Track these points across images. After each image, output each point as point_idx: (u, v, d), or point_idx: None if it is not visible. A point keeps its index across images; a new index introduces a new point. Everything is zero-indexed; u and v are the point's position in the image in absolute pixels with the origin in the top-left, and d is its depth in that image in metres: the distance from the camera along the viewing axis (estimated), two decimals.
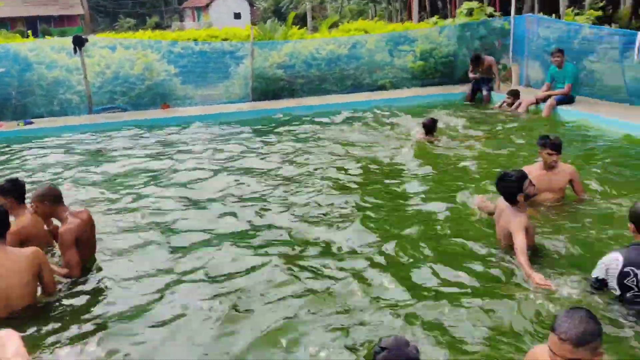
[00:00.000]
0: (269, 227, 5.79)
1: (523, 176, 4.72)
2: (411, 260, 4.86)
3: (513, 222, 4.63)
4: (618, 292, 3.88)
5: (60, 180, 7.76)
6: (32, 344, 3.72)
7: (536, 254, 4.76)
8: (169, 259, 5.10)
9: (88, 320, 4.14)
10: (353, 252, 5.08)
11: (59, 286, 4.49)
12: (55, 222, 5.02)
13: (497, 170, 6.51)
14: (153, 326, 4.05)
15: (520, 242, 4.48)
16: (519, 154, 8.11)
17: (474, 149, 8.62)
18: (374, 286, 4.42)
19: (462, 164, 7.79)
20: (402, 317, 3.93)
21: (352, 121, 11.19)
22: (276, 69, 13.99)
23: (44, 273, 4.20)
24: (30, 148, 9.85)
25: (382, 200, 6.45)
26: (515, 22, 13.94)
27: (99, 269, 4.92)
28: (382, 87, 14.60)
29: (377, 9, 44.49)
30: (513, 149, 8.44)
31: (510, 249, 4.65)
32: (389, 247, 5.11)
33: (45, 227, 5.02)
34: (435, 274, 4.57)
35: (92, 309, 4.29)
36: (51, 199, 4.73)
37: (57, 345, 3.82)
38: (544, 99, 10.97)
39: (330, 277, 4.59)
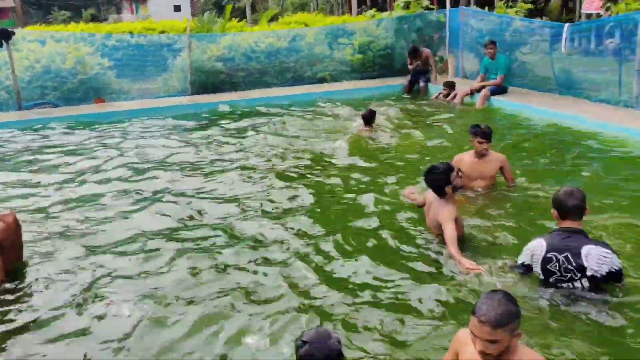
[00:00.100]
0: (203, 224, 5.70)
1: (450, 168, 4.81)
2: (341, 253, 4.86)
3: (442, 213, 4.73)
4: (542, 277, 4.00)
5: None
6: None
7: (466, 241, 4.87)
8: (98, 262, 4.93)
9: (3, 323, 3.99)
10: (283, 246, 5.04)
11: None
12: None
13: (432, 160, 6.68)
14: (74, 331, 3.90)
15: (450, 231, 4.58)
16: (453, 143, 8.28)
17: (411, 140, 8.77)
18: (301, 280, 4.40)
19: (398, 155, 7.92)
20: (327, 311, 3.94)
21: (292, 114, 11.16)
22: (215, 62, 13.82)
23: None
24: None
25: (317, 192, 6.45)
26: (450, 15, 14.22)
27: (25, 273, 4.72)
28: (323, 80, 14.66)
29: (318, 2, 44.52)
30: (447, 139, 8.62)
31: (441, 239, 4.74)
32: (320, 240, 5.12)
33: None
34: (365, 266, 4.59)
35: (10, 315, 4.11)
36: None
37: None
38: (478, 90, 11.26)
39: (256, 273, 4.56)
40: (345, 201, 6.14)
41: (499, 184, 6.21)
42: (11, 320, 4.03)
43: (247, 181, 6.98)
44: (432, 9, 15.55)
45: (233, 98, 12.88)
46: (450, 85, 11.89)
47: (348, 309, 3.96)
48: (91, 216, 6.02)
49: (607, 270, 3.78)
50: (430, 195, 4.98)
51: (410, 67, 13.06)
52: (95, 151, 8.81)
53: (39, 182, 7.33)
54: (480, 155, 6.11)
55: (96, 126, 10.70)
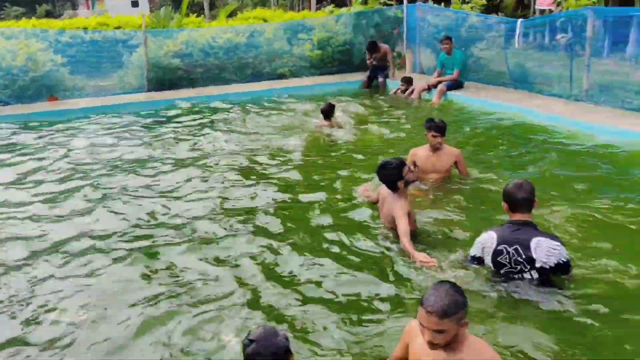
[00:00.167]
0: (156, 222, 5.61)
1: (402, 163, 4.85)
2: (295, 250, 4.85)
3: (395, 207, 4.76)
4: (493, 269, 4.05)
5: None
6: None
7: (420, 235, 4.92)
8: (44, 263, 4.80)
9: None
10: (236, 244, 5.00)
11: None
12: None
13: (389, 155, 6.72)
14: (10, 337, 3.80)
15: (403, 226, 4.61)
16: (410, 138, 8.36)
17: (369, 136, 8.83)
18: (251, 278, 4.38)
19: (356, 151, 7.95)
20: (278, 309, 3.93)
21: (251, 110, 11.07)
22: (172, 58, 13.61)
23: None
24: None
25: (273, 190, 6.42)
26: (407, 11, 14.33)
27: None
28: (282, 76, 14.59)
29: None
30: (405, 134, 8.70)
31: (395, 233, 4.77)
32: (274, 237, 5.10)
33: None
34: (319, 263, 4.59)
35: None
36: None
37: None
38: (435, 85, 11.39)
39: (207, 272, 4.51)
40: (301, 198, 6.12)
41: (453, 177, 6.29)
42: None
43: (203, 179, 6.90)
44: (391, 4, 15.65)
45: (191, 94, 12.71)
46: (407, 81, 12.00)
47: (300, 307, 3.95)
48: (41, 216, 5.86)
49: (555, 262, 3.85)
50: (384, 190, 5.02)
51: (368, 62, 13.12)
52: (47, 150, 8.59)
53: None
54: (435, 149, 6.18)
55: (49, 125, 10.42)
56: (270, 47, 14.61)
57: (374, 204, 5.45)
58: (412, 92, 11.72)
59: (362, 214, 5.49)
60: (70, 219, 5.77)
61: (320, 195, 6.10)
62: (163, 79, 13.53)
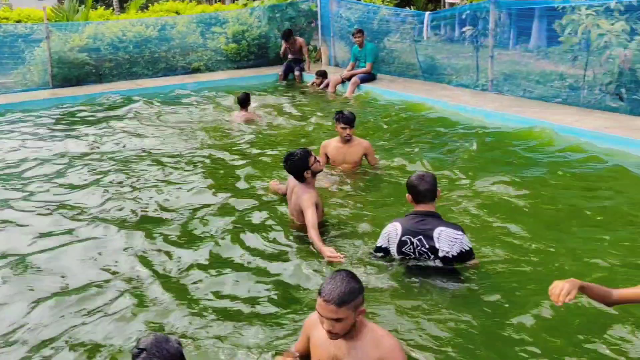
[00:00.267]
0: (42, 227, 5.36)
1: (307, 153, 4.86)
2: (201, 247, 4.77)
3: (303, 198, 4.76)
4: (398, 259, 4.12)
5: None
6: None
7: (329, 226, 4.95)
8: None
9: None
10: (132, 248, 4.84)
11: None
12: None
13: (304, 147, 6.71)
14: None
15: (310, 217, 4.61)
16: (324, 130, 8.40)
17: (284, 129, 8.81)
18: (146, 287, 4.25)
19: (269, 143, 7.90)
20: (173, 312, 3.83)
21: (164, 106, 10.77)
22: (79, 52, 13.01)
23: None
24: None
25: (180, 189, 6.26)
26: (321, 4, 14.37)
27: None
28: (197, 70, 14.32)
29: None
30: (319, 126, 8.73)
31: (303, 226, 4.76)
32: (180, 235, 5.01)
33: None
34: (227, 261, 4.53)
35: None
36: None
37: None
38: (349, 78, 11.50)
39: (99, 283, 4.34)
40: (211, 195, 5.99)
41: (364, 168, 6.37)
42: None
43: (102, 181, 6.61)
44: None
45: (99, 90, 12.21)
46: (322, 74, 12.06)
47: (201, 308, 3.87)
48: None
49: (458, 251, 3.96)
50: (292, 181, 5.01)
51: (283, 49, 13.04)
52: None
53: None
54: (345, 140, 6.24)
55: None
56: (184, 40, 14.27)
57: (285, 196, 5.43)
58: (327, 85, 11.79)
59: (272, 208, 5.45)
60: None
61: (230, 190, 6.01)
62: (69, 75, 12.91)
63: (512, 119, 8.13)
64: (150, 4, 18.66)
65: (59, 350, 3.45)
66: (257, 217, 5.29)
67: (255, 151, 7.55)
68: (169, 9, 18.18)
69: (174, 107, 10.66)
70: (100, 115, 10.26)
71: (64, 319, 3.80)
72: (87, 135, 8.83)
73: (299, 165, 4.80)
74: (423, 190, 4.06)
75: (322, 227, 4.81)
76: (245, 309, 3.82)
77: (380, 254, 4.23)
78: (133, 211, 5.61)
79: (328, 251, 4.32)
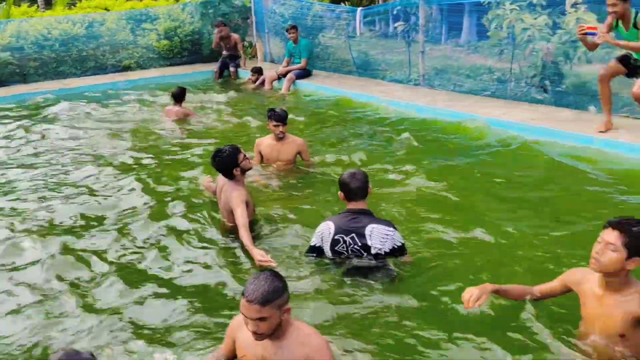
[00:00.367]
0: None
1: (236, 150, 4.77)
2: (125, 253, 4.63)
3: (232, 196, 4.66)
4: (332, 258, 4.10)
5: None
6: None
7: (263, 226, 4.88)
8: None
9: None
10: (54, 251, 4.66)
11: None
12: None
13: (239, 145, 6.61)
14: None
15: (241, 217, 4.52)
16: (259, 128, 8.32)
17: (219, 126, 8.70)
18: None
19: (203, 141, 7.75)
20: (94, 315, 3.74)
21: (93, 105, 10.39)
22: (0, 52, 12.41)
23: None
24: None
25: (112, 190, 6.07)
26: (254, 0, 14.23)
27: None
28: (128, 68, 13.96)
29: None
30: (254, 124, 8.64)
31: (234, 226, 4.67)
32: (102, 238, 4.86)
33: None
34: (156, 262, 4.42)
35: None
36: None
37: None
38: (284, 74, 11.45)
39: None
40: (139, 198, 5.80)
41: (298, 165, 6.33)
42: None
43: (29, 187, 6.32)
44: None
45: (23, 90, 11.72)
46: (257, 71, 11.96)
47: (128, 314, 3.75)
48: None
49: (390, 247, 3.97)
50: (221, 180, 4.90)
51: (216, 37, 12.88)
52: None
53: None
54: (279, 138, 6.19)
55: None
56: (113, 38, 13.86)
57: (215, 194, 5.32)
58: (262, 81, 11.70)
59: (202, 209, 5.34)
60: None
61: (160, 192, 5.87)
62: None
63: (443, 112, 8.29)
64: (78, 1, 17.93)
65: None
66: (186, 219, 5.16)
67: (188, 150, 7.40)
68: (97, 5, 17.53)
69: (104, 106, 10.31)
70: (24, 116, 9.81)
71: None
72: (8, 138, 8.42)
73: (228, 162, 4.70)
74: (354, 188, 4.05)
75: (254, 226, 4.74)
76: (170, 315, 3.71)
77: (314, 254, 4.20)
78: (53, 218, 5.36)
79: (258, 254, 4.20)
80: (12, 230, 5.10)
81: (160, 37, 14.17)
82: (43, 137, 8.39)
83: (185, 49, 14.46)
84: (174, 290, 4.03)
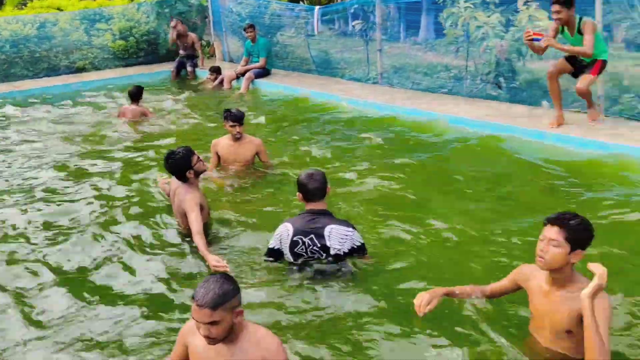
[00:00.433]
0: None
1: (189, 152, 4.68)
2: (83, 255, 4.53)
3: (186, 200, 4.57)
4: (291, 260, 4.05)
5: None
6: None
7: (220, 230, 4.81)
8: None
9: None
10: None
11: None
12: None
13: (195, 148, 6.50)
14: None
15: (195, 222, 4.43)
16: (218, 128, 8.22)
17: (176, 127, 8.57)
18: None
19: (161, 143, 7.62)
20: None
21: (45, 108, 10.12)
22: None
23: None
24: None
25: (71, 192, 5.92)
26: None
27: None
28: (82, 69, 13.69)
29: None
30: (212, 124, 8.55)
31: (189, 230, 4.58)
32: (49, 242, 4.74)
33: None
34: (112, 267, 4.33)
35: None
36: None
37: None
38: (243, 73, 11.36)
39: None
40: (93, 200, 5.68)
41: (256, 166, 6.27)
42: None
43: None
44: None
45: None
46: (215, 70, 11.84)
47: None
48: None
49: (349, 247, 3.95)
50: (174, 182, 4.81)
51: (172, 31, 12.69)
52: None
53: None
54: (236, 139, 6.12)
55: None
56: (66, 38, 13.56)
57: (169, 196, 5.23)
58: (221, 81, 11.58)
59: (157, 212, 5.25)
60: None
61: (115, 194, 5.77)
62: None
63: (401, 110, 8.35)
64: (29, 0, 17.43)
65: None
66: (140, 223, 5.04)
67: (143, 152, 7.27)
68: (50, 5, 17.09)
69: (57, 109, 10.05)
70: None
71: None
72: None
73: (181, 164, 4.61)
74: (313, 189, 4.02)
75: (210, 229, 4.66)
76: (121, 324, 3.61)
77: (271, 259, 4.15)
78: (1, 225, 5.20)
79: (213, 260, 4.09)
80: None
81: (116, 37, 13.92)
82: None
83: (142, 49, 14.24)
84: (125, 298, 3.93)
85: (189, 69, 12.85)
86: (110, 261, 4.43)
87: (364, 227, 4.60)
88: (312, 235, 3.96)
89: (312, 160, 6.54)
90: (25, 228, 5.12)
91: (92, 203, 5.62)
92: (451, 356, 3.06)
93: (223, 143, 6.20)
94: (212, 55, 14.62)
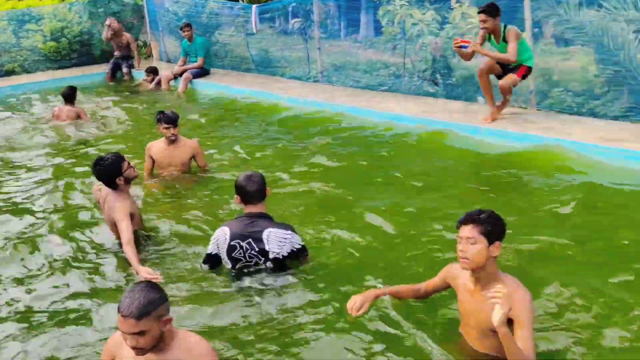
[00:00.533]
0: None
1: (119, 158, 4.50)
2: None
3: (115, 208, 4.40)
4: (230, 265, 3.95)
5: None
6: None
7: (153, 237, 4.66)
8: None
9: None
10: None
11: None
12: None
13: (128, 152, 6.32)
14: None
15: (125, 230, 4.26)
16: (154, 131, 8.01)
17: (112, 131, 8.33)
18: None
19: (95, 148, 7.37)
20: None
21: None
22: None
23: None
24: None
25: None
26: None
27: None
28: (12, 72, 13.20)
29: None
30: (149, 127, 8.31)
31: (119, 238, 4.43)
32: None
33: None
34: (41, 280, 4.14)
35: None
36: None
37: None
38: (181, 73, 11.13)
39: None
40: (21, 212, 5.44)
41: (193, 170, 6.12)
42: None
43: None
44: None
45: None
46: (152, 71, 11.56)
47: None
48: None
49: (288, 250, 3.88)
50: (104, 189, 4.62)
51: (105, 31, 12.32)
52: None
53: None
54: (170, 141, 5.94)
55: None
56: None
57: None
58: (158, 82, 11.32)
59: (87, 221, 5.06)
60: None
61: (43, 201, 5.55)
62: None
63: (341, 108, 8.34)
64: None
65: None
66: (67, 233, 4.86)
67: (76, 158, 7.01)
68: None
69: None
70: None
71: None
72: None
73: (110, 171, 4.43)
74: (251, 191, 3.92)
75: (143, 238, 4.50)
76: (47, 343, 3.44)
77: (207, 265, 4.04)
78: None
79: (144, 271, 3.93)
80: None
81: (47, 39, 13.45)
82: None
83: (75, 51, 13.81)
84: (50, 314, 3.76)
85: (124, 70, 12.51)
86: (35, 277, 4.22)
87: (304, 229, 4.54)
88: (250, 239, 3.87)
89: (252, 161, 6.45)
90: None
91: (18, 213, 5.37)
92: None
93: (157, 146, 6.01)
94: (149, 55, 14.29)
